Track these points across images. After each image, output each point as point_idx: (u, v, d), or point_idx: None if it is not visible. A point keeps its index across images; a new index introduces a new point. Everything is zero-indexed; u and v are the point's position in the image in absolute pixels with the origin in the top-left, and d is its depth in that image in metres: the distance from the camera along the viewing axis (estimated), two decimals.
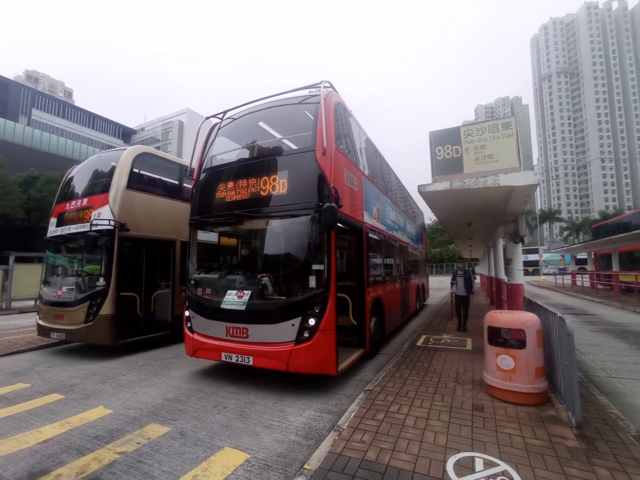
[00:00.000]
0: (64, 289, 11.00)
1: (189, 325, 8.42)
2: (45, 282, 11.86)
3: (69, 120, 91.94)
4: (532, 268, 63.61)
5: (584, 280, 33.57)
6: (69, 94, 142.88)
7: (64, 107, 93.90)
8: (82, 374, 8.85)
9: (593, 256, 38.56)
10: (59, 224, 11.66)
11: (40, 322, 11.25)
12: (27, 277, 21.45)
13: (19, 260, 22.27)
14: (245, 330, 7.34)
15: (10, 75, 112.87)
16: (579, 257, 48.95)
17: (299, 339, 6.87)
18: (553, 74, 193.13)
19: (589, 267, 40.26)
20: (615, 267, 30.45)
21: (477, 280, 36.75)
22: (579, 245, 42.46)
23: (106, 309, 10.11)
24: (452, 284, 13.58)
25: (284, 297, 7.44)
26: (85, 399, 7.07)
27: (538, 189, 12.30)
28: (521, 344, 6.07)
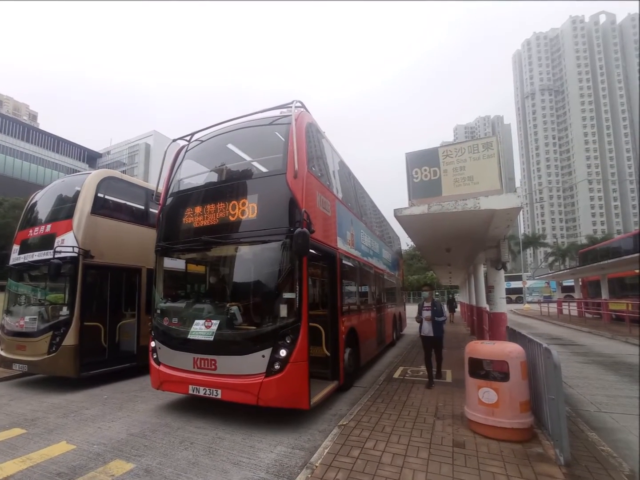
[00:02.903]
0: (27, 318, 10.95)
1: (155, 356, 8.38)
2: (8, 312, 11.76)
3: (33, 144, 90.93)
4: (515, 296, 63.59)
5: (571, 309, 33.61)
6: (33, 117, 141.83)
7: (28, 131, 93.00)
8: (44, 407, 8.78)
9: (581, 283, 38.67)
10: (21, 251, 11.64)
11: (2, 353, 11.14)
12: None
13: None
14: (213, 362, 7.32)
15: None
16: (565, 284, 48.76)
17: (269, 371, 6.86)
18: (537, 92, 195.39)
19: (577, 294, 40.37)
20: (605, 294, 30.30)
21: (458, 309, 36.81)
22: (566, 271, 42.55)
23: (70, 339, 10.04)
24: (418, 320, 10.24)
25: (254, 327, 7.42)
26: (47, 433, 7.02)
27: (521, 213, 12.40)
28: (504, 376, 6.03)
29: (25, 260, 11.34)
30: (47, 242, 10.92)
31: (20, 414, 8.23)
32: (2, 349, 11.30)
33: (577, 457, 5.27)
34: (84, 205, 10.81)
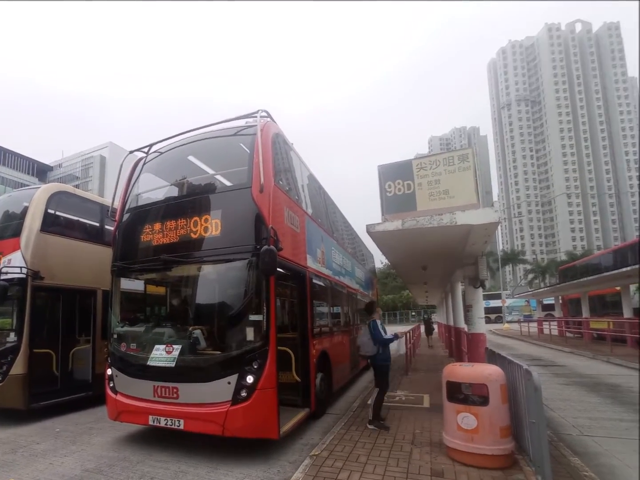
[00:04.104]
0: None
1: (111, 384, 8.22)
2: None
3: None
4: (494, 315, 63.93)
5: (552, 328, 34.00)
6: None
7: None
8: None
9: (561, 301, 39.30)
10: None
11: None
12: None
13: None
14: (175, 390, 7.20)
15: None
16: (545, 302, 49.23)
17: (235, 399, 6.77)
18: (513, 102, 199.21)
19: (557, 313, 40.87)
20: (585, 312, 30.80)
21: (435, 330, 36.77)
22: (546, 289, 43.18)
23: (17, 368, 9.82)
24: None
25: (219, 352, 7.36)
26: None
27: (499, 228, 12.53)
28: (484, 400, 6.01)
29: None
30: None
31: None
32: None
33: None
34: (32, 222, 10.61)
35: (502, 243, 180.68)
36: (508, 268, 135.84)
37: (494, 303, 61.48)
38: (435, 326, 36.22)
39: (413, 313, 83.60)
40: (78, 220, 12.48)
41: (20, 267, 10.09)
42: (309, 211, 10.45)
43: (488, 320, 53.05)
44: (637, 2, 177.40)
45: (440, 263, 13.68)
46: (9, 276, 10.01)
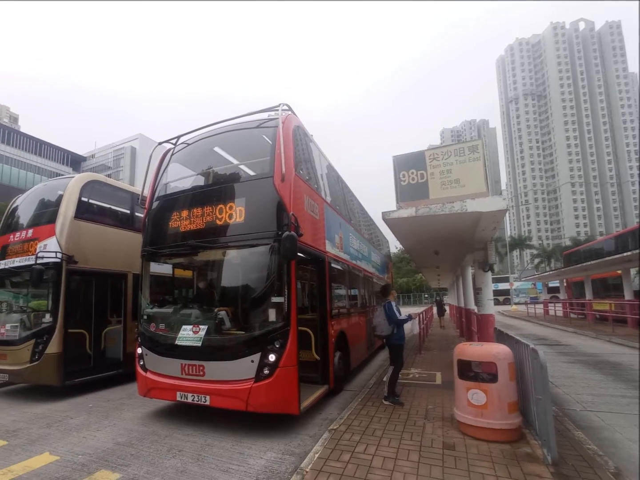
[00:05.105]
0: (8, 326, 10.72)
1: (141, 363, 8.25)
2: None
3: (14, 147, 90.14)
4: (502, 297, 63.50)
5: (557, 310, 34.03)
6: (14, 119, 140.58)
7: (9, 133, 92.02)
8: (26, 417, 8.59)
9: (565, 284, 39.13)
10: (2, 257, 11.40)
11: None
12: None
13: None
14: (201, 368, 7.22)
15: None
16: (551, 285, 49.14)
17: (258, 376, 6.78)
18: (520, 96, 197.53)
19: (562, 295, 40.69)
20: (589, 294, 30.81)
21: (447, 311, 36.63)
22: (551, 272, 42.90)
23: (53, 347, 9.85)
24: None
25: (243, 332, 7.36)
26: (29, 444, 6.84)
27: (507, 215, 12.43)
28: (493, 377, 6.03)
29: (6, 267, 11.14)
30: (28, 247, 10.76)
31: (1, 425, 8.05)
32: None
33: (564, 456, 5.30)
34: (67, 209, 10.65)
35: (510, 229, 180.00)
36: (515, 253, 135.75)
37: (502, 286, 61.13)
38: (447, 307, 36.03)
39: (426, 295, 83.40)
40: (110, 208, 12.49)
41: (55, 252, 10.12)
42: (328, 199, 10.39)
43: (497, 302, 52.83)
44: (637, 2, 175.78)
45: (452, 248, 13.58)
46: (45, 260, 10.03)
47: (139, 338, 8.55)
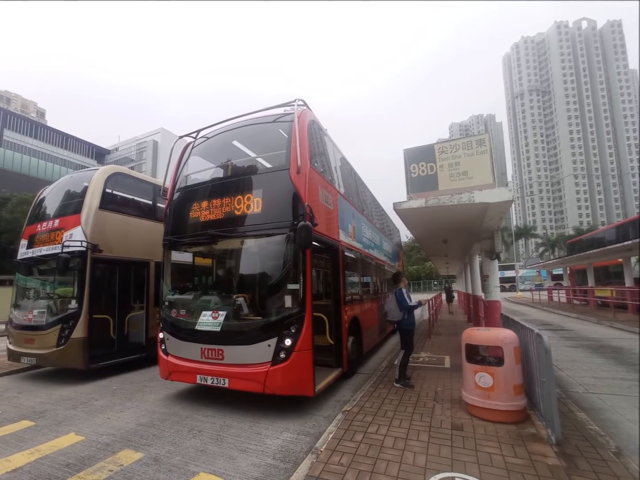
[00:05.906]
0: (35, 312, 10.82)
1: (163, 347, 8.29)
2: (16, 306, 11.63)
3: (42, 140, 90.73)
4: (508, 284, 63.03)
5: (561, 296, 33.92)
6: (41, 114, 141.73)
7: (37, 128, 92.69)
8: (53, 399, 8.66)
9: (569, 272, 38.90)
10: (29, 246, 11.49)
11: (11, 347, 11.03)
12: None
13: None
14: (220, 352, 7.24)
15: None
16: (555, 272, 49.09)
17: (275, 360, 6.80)
18: (525, 92, 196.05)
19: (565, 282, 40.53)
20: (591, 282, 30.72)
21: (456, 298, 36.56)
22: (555, 261, 42.85)
23: (78, 332, 9.92)
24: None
25: (260, 318, 7.35)
26: (56, 425, 6.89)
27: (513, 205, 12.36)
28: (499, 361, 6.06)
29: (34, 255, 11.21)
30: (55, 236, 10.82)
31: (29, 407, 8.12)
32: (10, 343, 11.19)
33: (567, 436, 5.34)
34: (92, 200, 10.68)
35: (516, 219, 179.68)
36: (521, 242, 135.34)
37: (508, 273, 60.78)
38: (455, 294, 35.97)
39: (435, 282, 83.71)
40: (133, 199, 12.51)
41: (81, 241, 10.16)
42: (342, 190, 10.36)
43: (503, 289, 52.61)
44: (637, 1, 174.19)
45: (460, 237, 13.55)
46: (71, 249, 10.08)
47: (160, 323, 8.56)
